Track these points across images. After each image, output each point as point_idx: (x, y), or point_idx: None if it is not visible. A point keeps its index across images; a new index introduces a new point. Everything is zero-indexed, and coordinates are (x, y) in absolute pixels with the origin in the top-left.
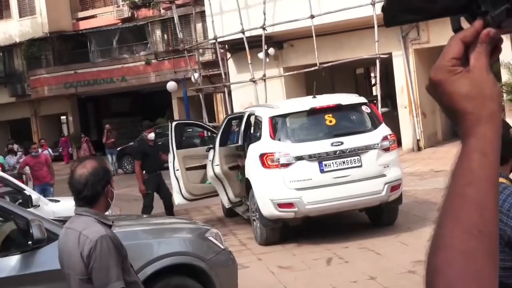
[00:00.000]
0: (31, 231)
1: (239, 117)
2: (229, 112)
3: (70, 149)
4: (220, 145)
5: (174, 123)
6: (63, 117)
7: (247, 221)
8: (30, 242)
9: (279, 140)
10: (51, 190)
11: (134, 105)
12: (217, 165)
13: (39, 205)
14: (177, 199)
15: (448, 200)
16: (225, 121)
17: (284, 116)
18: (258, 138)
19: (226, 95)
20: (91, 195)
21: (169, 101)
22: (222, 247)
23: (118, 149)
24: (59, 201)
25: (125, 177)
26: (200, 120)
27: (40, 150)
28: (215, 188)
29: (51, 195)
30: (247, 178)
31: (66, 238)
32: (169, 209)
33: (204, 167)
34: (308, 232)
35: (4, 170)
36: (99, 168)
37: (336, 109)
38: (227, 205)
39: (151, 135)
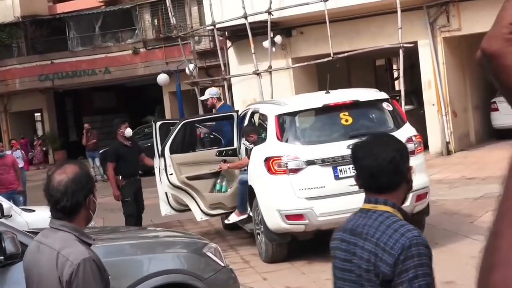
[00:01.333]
0: (3, 245)
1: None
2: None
3: (30, 153)
4: (172, 152)
5: (158, 123)
6: (37, 114)
7: (250, 235)
8: (1, 258)
9: (287, 141)
10: (20, 199)
11: (119, 100)
12: (171, 174)
13: (11, 215)
14: (164, 209)
15: (506, 205)
16: (179, 126)
17: (293, 114)
18: (263, 140)
19: (226, 90)
20: (71, 205)
21: (160, 96)
22: (222, 264)
23: (100, 151)
24: (34, 210)
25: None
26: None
27: (9, 152)
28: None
29: (21, 203)
30: (250, 186)
31: (38, 255)
32: (139, 222)
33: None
34: (320, 248)
35: None
36: (81, 175)
37: (353, 106)
38: (199, 217)
39: (128, 131)
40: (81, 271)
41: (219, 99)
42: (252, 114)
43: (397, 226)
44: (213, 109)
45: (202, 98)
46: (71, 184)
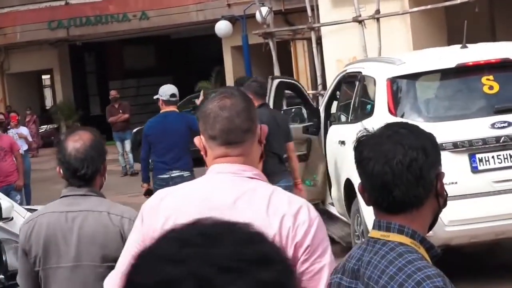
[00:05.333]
0: (3, 259)
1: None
2: (319, 71)
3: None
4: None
5: (276, 81)
6: (45, 77)
7: (344, 249)
8: (1, 277)
9: (403, 116)
10: (16, 197)
11: (160, 58)
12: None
13: (12, 218)
14: None
15: None
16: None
17: (413, 77)
18: (368, 114)
19: (314, 44)
20: (92, 172)
21: (219, 52)
22: None
23: (133, 131)
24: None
25: None
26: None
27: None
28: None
29: (18, 202)
30: (347, 181)
31: (70, 223)
32: None
33: (303, 158)
34: (445, 270)
35: None
36: (97, 140)
37: (500, 68)
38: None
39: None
40: None
41: (168, 102)
42: (352, 77)
43: (413, 269)
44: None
45: (155, 96)
46: (90, 150)
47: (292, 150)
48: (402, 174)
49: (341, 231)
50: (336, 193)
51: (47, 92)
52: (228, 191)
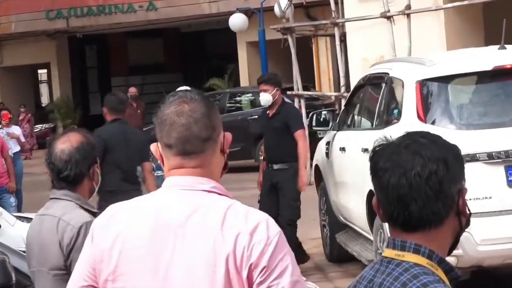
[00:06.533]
0: None
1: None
2: (342, 71)
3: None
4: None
5: None
6: (42, 71)
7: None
8: None
9: (434, 123)
10: (11, 199)
11: (169, 53)
12: None
13: (0, 226)
14: None
15: None
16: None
17: (445, 80)
18: (395, 119)
19: (337, 41)
20: (74, 175)
21: (233, 48)
22: None
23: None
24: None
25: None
26: (288, 83)
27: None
28: None
29: (13, 208)
30: (370, 193)
31: (39, 227)
32: None
33: None
34: None
35: None
36: (86, 143)
37: None
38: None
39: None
40: (82, 234)
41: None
42: (378, 78)
43: None
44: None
45: None
46: (75, 153)
47: (149, 171)
48: (420, 188)
49: (363, 248)
50: (356, 207)
51: (44, 88)
52: (181, 207)
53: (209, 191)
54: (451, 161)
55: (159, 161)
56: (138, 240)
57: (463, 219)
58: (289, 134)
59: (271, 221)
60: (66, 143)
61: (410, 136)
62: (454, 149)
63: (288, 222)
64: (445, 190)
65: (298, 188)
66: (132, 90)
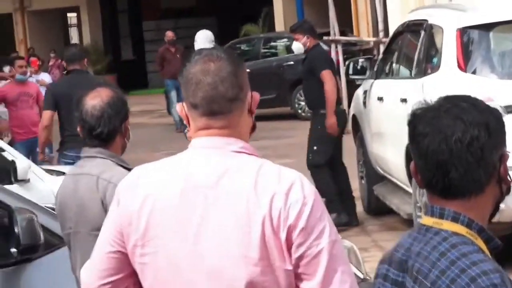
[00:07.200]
0: (16, 231)
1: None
2: (381, 16)
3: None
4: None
5: None
6: (71, 15)
7: (405, 222)
8: (14, 250)
9: (475, 72)
10: (45, 151)
11: None
12: None
13: (28, 180)
14: None
15: None
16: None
17: (487, 28)
18: (434, 68)
19: None
20: (108, 131)
21: None
22: (361, 275)
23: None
24: (63, 173)
25: None
26: (324, 28)
27: (28, 73)
28: None
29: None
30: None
31: (74, 186)
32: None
33: None
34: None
35: None
36: (116, 98)
37: None
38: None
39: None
40: None
41: None
42: (405, 29)
43: (467, 263)
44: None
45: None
46: (107, 108)
47: None
48: (461, 154)
49: (402, 201)
50: (394, 159)
51: (73, 33)
52: (210, 169)
53: (238, 152)
54: (492, 125)
55: (184, 121)
56: (167, 203)
57: (504, 187)
58: (315, 78)
59: (305, 179)
60: (97, 98)
61: (451, 100)
62: (495, 113)
63: (308, 167)
64: (487, 156)
65: (328, 129)
66: (170, 34)
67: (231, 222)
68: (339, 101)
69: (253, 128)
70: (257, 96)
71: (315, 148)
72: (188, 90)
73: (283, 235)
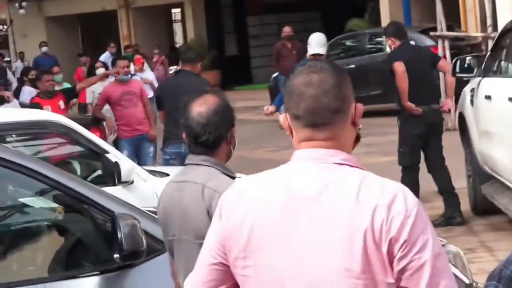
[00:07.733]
0: (119, 236)
1: None
2: (489, 9)
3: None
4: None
5: None
6: (175, 11)
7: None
8: (116, 256)
9: None
10: (150, 149)
11: None
12: None
13: (132, 182)
14: None
15: None
16: None
17: None
18: None
19: None
20: (214, 139)
21: None
22: (467, 280)
23: (273, 76)
24: (168, 174)
25: None
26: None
27: (132, 71)
28: None
29: (151, 159)
30: None
31: (178, 194)
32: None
33: None
34: None
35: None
36: (223, 106)
37: None
38: None
39: None
40: None
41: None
42: (509, 29)
43: None
44: None
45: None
46: (214, 116)
47: None
48: None
49: (510, 201)
50: (502, 158)
51: (177, 28)
52: (312, 182)
53: (340, 164)
54: None
55: (287, 132)
56: (269, 215)
57: None
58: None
59: (408, 191)
60: (203, 105)
61: None
62: None
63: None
64: None
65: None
66: (286, 29)
67: (333, 235)
68: (432, 99)
69: (357, 139)
70: (361, 107)
71: (400, 150)
72: (291, 101)
73: (384, 248)
